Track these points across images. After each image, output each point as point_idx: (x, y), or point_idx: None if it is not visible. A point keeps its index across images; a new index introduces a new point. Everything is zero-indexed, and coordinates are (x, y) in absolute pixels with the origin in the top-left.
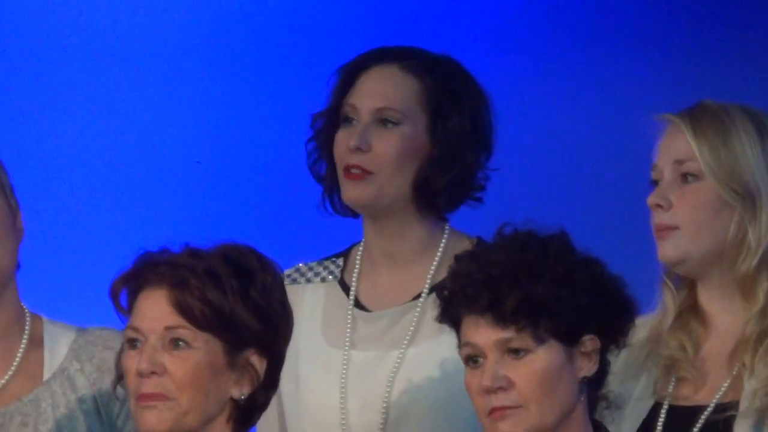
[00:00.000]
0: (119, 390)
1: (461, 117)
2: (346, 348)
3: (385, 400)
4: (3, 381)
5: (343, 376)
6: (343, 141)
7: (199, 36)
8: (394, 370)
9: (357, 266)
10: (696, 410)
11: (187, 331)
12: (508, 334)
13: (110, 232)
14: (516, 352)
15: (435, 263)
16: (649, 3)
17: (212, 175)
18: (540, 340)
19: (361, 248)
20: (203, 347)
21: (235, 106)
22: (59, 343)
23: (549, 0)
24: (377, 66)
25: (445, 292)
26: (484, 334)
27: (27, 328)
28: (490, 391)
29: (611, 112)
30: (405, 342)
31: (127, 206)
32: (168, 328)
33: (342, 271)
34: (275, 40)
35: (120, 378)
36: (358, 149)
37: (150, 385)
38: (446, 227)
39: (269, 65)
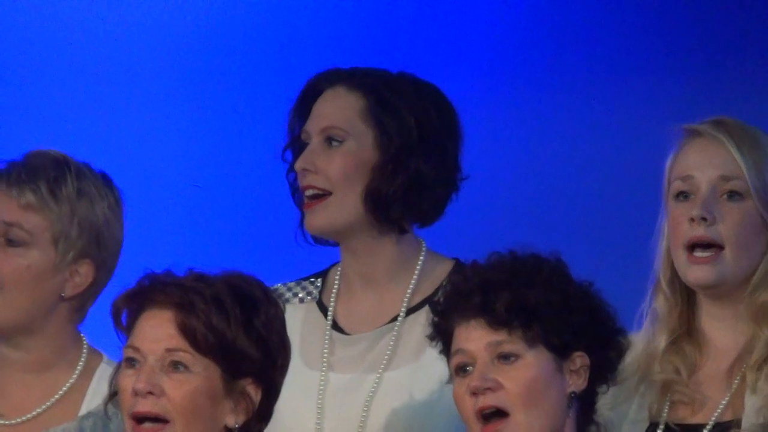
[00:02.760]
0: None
1: (403, 125)
2: (323, 370)
3: (362, 423)
4: (40, 409)
5: (320, 398)
6: (297, 166)
7: (200, 57)
8: (371, 393)
9: (335, 287)
10: (693, 429)
11: (187, 355)
12: (499, 336)
13: None
14: (506, 358)
15: (412, 285)
16: (648, 15)
17: (210, 198)
18: (531, 344)
19: (339, 269)
20: (203, 372)
21: (235, 129)
22: (105, 384)
23: (547, 11)
24: (327, 90)
25: (439, 306)
26: (476, 337)
27: (82, 361)
28: (477, 391)
29: (606, 128)
30: (382, 365)
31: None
32: (169, 351)
33: (320, 292)
34: (277, 66)
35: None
36: (305, 170)
37: (145, 405)
38: (423, 248)
39: (270, 89)
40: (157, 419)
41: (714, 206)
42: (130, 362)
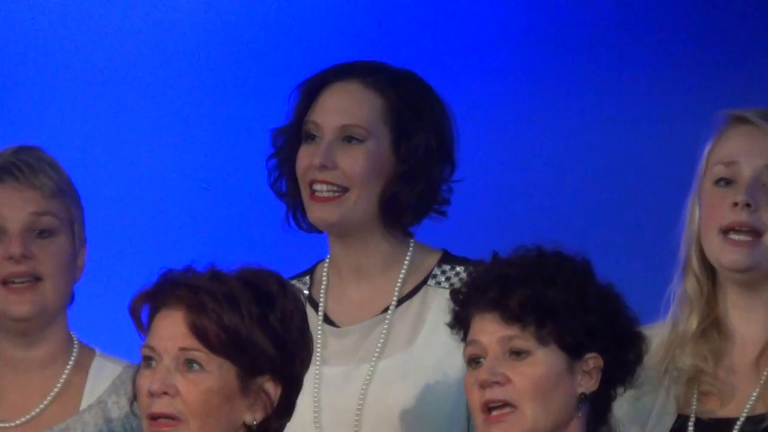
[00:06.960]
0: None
1: (426, 133)
2: (317, 364)
3: (358, 414)
4: (40, 407)
5: (316, 392)
6: (307, 158)
7: (210, 59)
8: (366, 383)
9: (324, 282)
10: (726, 423)
11: (201, 354)
12: (511, 331)
13: (120, 251)
14: (518, 354)
15: (401, 276)
16: (645, 10)
17: (220, 199)
18: (542, 343)
19: (326, 265)
20: (216, 371)
21: (244, 131)
22: (103, 376)
23: (544, 6)
24: (339, 82)
25: (459, 295)
26: (489, 331)
27: (74, 356)
28: (485, 384)
29: (607, 120)
30: (375, 355)
31: (136, 228)
32: (182, 350)
33: (309, 288)
34: (286, 68)
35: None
36: (323, 167)
37: (161, 405)
38: (411, 241)
39: (279, 91)
40: (172, 417)
41: (758, 193)
42: (147, 362)
